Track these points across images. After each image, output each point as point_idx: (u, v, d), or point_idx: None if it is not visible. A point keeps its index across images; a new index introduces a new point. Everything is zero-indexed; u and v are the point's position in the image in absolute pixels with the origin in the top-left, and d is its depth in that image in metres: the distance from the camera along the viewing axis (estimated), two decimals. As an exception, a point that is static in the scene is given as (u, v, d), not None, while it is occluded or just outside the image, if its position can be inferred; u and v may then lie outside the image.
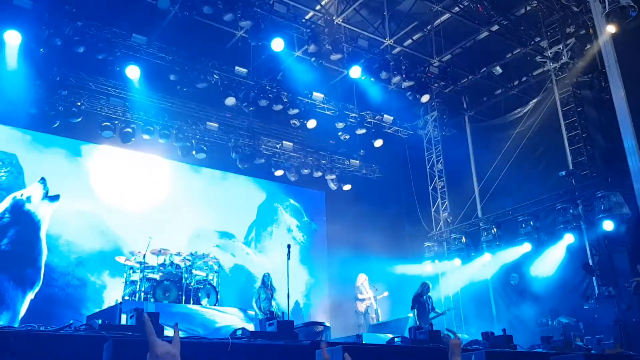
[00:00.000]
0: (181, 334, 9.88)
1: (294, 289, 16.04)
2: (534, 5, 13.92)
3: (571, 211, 13.34)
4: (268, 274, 12.67)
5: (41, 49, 11.96)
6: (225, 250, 15.94)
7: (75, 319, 6.54)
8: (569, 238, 13.49)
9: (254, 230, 16.96)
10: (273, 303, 12.34)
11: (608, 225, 12.44)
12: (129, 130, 14.28)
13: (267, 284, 12.37)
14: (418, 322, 11.93)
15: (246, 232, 16.79)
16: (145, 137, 14.46)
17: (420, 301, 12.11)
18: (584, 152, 13.75)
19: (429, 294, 12.41)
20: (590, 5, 12.40)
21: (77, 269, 13.53)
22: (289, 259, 10.25)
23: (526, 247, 14.39)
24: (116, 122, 14.17)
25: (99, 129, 13.95)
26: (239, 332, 7.00)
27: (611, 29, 11.80)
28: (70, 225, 13.44)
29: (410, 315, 12.62)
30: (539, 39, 14.63)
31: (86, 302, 13.22)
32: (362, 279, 14.13)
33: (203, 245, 14.55)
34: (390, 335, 9.74)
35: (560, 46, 14.39)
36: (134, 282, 11.67)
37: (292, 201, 17.87)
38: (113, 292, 12.85)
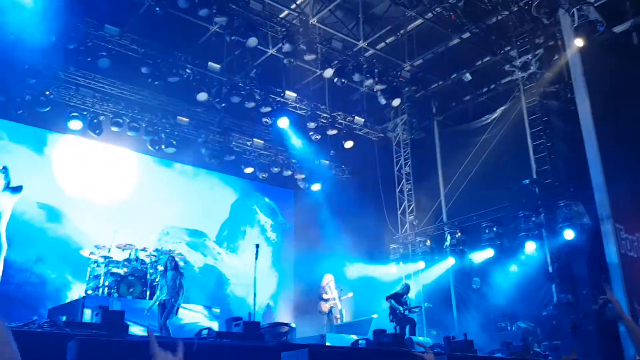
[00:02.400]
0: (144, 331, 9.79)
1: (265, 292, 16.07)
2: (505, 15, 14.15)
3: (533, 219, 13.61)
4: (171, 257, 10.85)
5: (11, 35, 11.70)
6: (195, 249, 15.75)
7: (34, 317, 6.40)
8: (530, 245, 13.77)
9: (227, 230, 16.81)
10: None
11: (569, 234, 12.71)
12: (98, 121, 14.08)
13: (165, 271, 10.40)
14: (391, 317, 12.16)
15: (218, 230, 16.63)
16: (114, 129, 14.27)
17: (400, 300, 12.33)
18: (548, 161, 14.01)
19: (408, 295, 12.66)
20: (560, 18, 12.68)
21: (36, 265, 13.06)
22: (256, 258, 10.26)
23: (489, 252, 14.64)
24: (85, 113, 13.96)
25: (66, 119, 13.73)
26: (205, 332, 7.01)
27: (579, 42, 12.08)
28: (29, 218, 13.06)
29: (374, 316, 12.78)
30: (508, 48, 14.88)
31: (45, 301, 12.69)
32: (328, 279, 14.20)
33: (173, 242, 14.39)
34: (355, 337, 9.85)
35: (529, 56, 14.65)
36: (97, 277, 11.54)
37: (267, 200, 17.80)
38: (76, 292, 12.49)
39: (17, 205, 12.10)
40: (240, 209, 17.24)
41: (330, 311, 14.05)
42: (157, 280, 11.59)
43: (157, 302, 10.05)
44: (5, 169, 11.21)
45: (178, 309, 10.12)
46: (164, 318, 9.90)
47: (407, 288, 12.81)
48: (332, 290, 14.13)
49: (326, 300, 14.04)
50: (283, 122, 15.18)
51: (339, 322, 13.89)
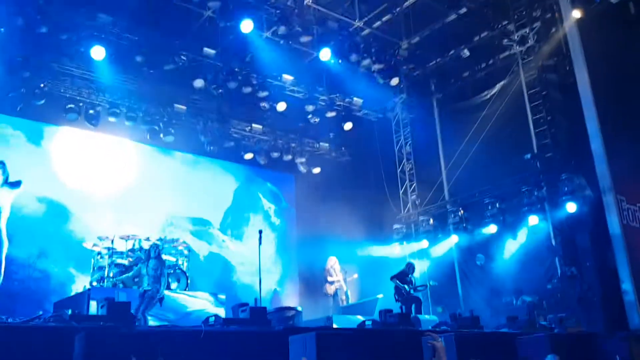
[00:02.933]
0: (152, 320, 9.78)
1: (271, 277, 16.09)
2: (502, -12, 14.00)
3: (535, 193, 13.59)
4: (154, 245, 10.57)
5: (1, 28, 11.58)
6: (200, 237, 15.69)
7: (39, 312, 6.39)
8: (533, 219, 13.76)
9: (230, 217, 16.75)
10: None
11: (571, 207, 12.71)
12: (94, 112, 13.98)
13: (148, 259, 9.95)
14: (397, 297, 12.18)
15: (222, 218, 16.57)
16: (111, 119, 14.19)
17: (405, 280, 12.34)
18: (549, 135, 13.93)
19: (413, 274, 12.67)
20: (557, -11, 12.55)
21: (38, 261, 12.95)
22: (260, 244, 10.24)
23: (492, 228, 14.63)
24: (81, 104, 13.85)
25: (62, 112, 13.62)
26: (212, 319, 7.01)
27: (577, 13, 11.98)
28: (30, 212, 12.97)
29: (380, 296, 12.82)
30: (506, 22, 14.75)
31: (49, 296, 12.48)
32: (332, 262, 14.23)
33: (177, 232, 14.30)
34: (361, 318, 9.89)
35: (527, 30, 14.51)
36: (102, 268, 11.52)
37: (269, 185, 17.74)
38: (80, 285, 12.37)
39: (17, 200, 11.89)
40: (243, 195, 17.16)
41: (335, 293, 14.09)
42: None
43: (139, 293, 9.70)
44: (2, 163, 11.07)
45: (161, 299, 9.69)
46: (142, 307, 9.48)
47: (411, 267, 12.83)
48: (336, 272, 14.16)
49: (331, 283, 14.07)
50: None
51: (345, 303, 13.93)
